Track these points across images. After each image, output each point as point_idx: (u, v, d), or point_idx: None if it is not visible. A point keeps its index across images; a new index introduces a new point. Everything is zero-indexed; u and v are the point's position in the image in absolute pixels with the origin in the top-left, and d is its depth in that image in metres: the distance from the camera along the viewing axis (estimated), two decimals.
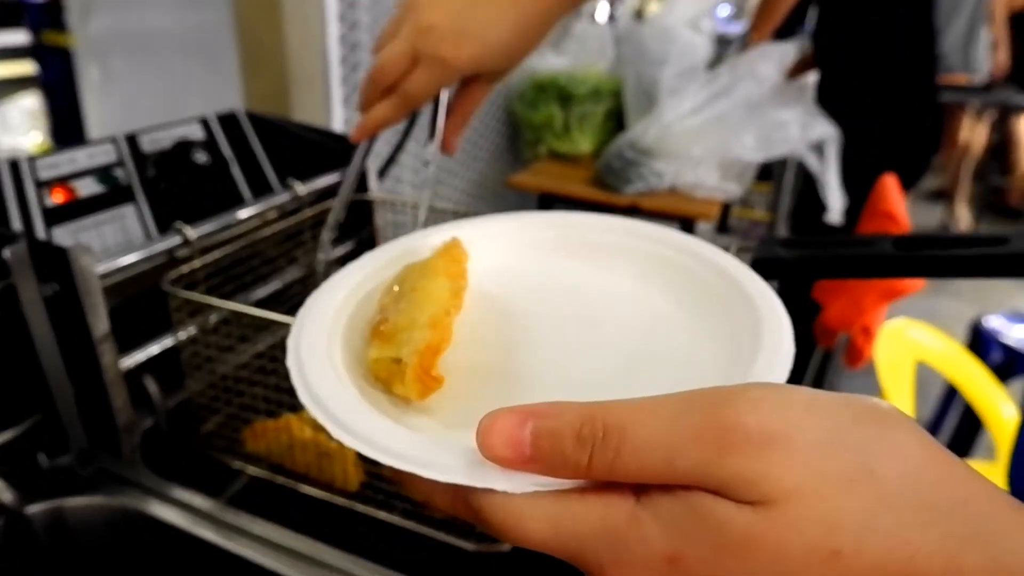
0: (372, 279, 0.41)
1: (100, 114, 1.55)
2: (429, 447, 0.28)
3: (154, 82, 1.50)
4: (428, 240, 0.44)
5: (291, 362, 0.33)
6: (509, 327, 0.39)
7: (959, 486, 0.23)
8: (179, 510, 0.59)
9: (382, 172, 0.96)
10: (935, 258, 0.40)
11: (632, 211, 1.88)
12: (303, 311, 0.37)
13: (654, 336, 0.38)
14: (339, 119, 1.34)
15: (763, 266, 0.44)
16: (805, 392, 0.25)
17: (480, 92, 0.65)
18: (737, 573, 0.23)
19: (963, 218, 4.16)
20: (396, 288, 0.37)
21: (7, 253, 0.52)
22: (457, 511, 0.28)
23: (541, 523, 0.25)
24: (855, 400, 0.25)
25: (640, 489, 0.25)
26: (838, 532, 0.22)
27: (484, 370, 0.36)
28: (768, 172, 2.68)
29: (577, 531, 0.25)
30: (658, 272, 0.41)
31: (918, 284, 1.25)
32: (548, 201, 2.02)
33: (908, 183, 1.80)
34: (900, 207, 1.27)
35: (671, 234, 0.43)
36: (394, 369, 0.33)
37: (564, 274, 0.43)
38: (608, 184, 1.90)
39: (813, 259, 0.43)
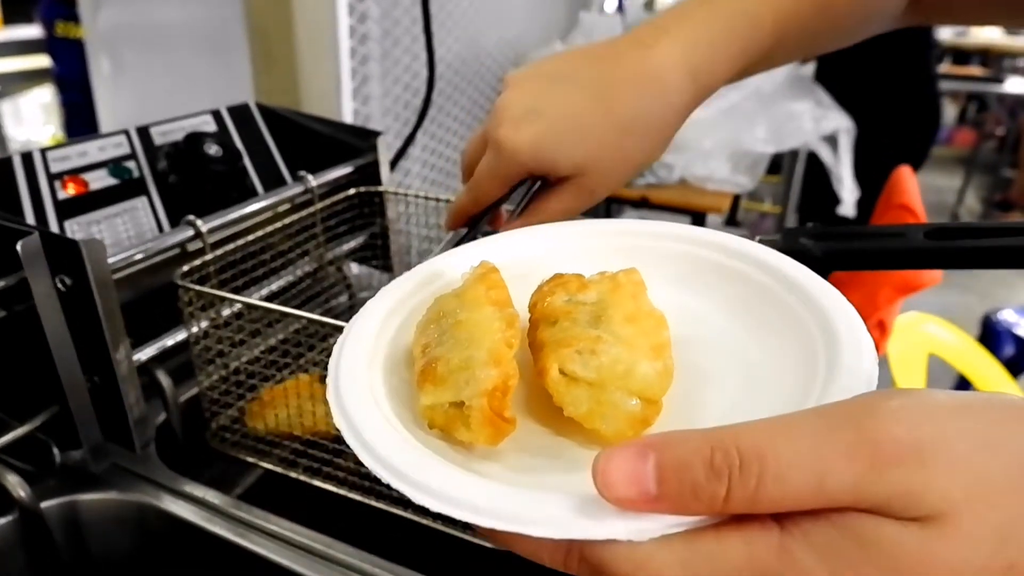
0: (399, 311, 0.37)
1: (112, 106, 1.55)
2: (529, 500, 0.24)
3: (165, 75, 1.49)
4: (453, 262, 0.40)
5: (339, 421, 0.30)
6: None
7: None
8: (192, 505, 0.59)
9: (393, 164, 0.95)
10: (969, 249, 0.39)
11: (642, 204, 1.87)
12: (333, 361, 0.33)
13: (717, 349, 0.35)
14: (349, 111, 1.33)
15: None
16: (945, 395, 0.23)
17: (556, 200, 0.49)
18: None
19: None
20: (433, 327, 0.34)
21: (20, 246, 0.51)
22: (570, 568, 0.25)
23: (676, 570, 0.22)
24: (996, 398, 0.23)
25: (783, 518, 0.22)
26: (1011, 543, 0.21)
27: (545, 405, 0.32)
28: (777, 165, 2.66)
29: (718, 571, 0.22)
30: (707, 279, 0.38)
31: (935, 278, 1.24)
32: None
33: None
34: (916, 199, 1.25)
35: (715, 235, 0.40)
36: (454, 414, 0.30)
37: None
38: None
39: (842, 251, 0.42)
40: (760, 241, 0.51)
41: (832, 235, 0.43)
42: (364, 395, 0.31)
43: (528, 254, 0.41)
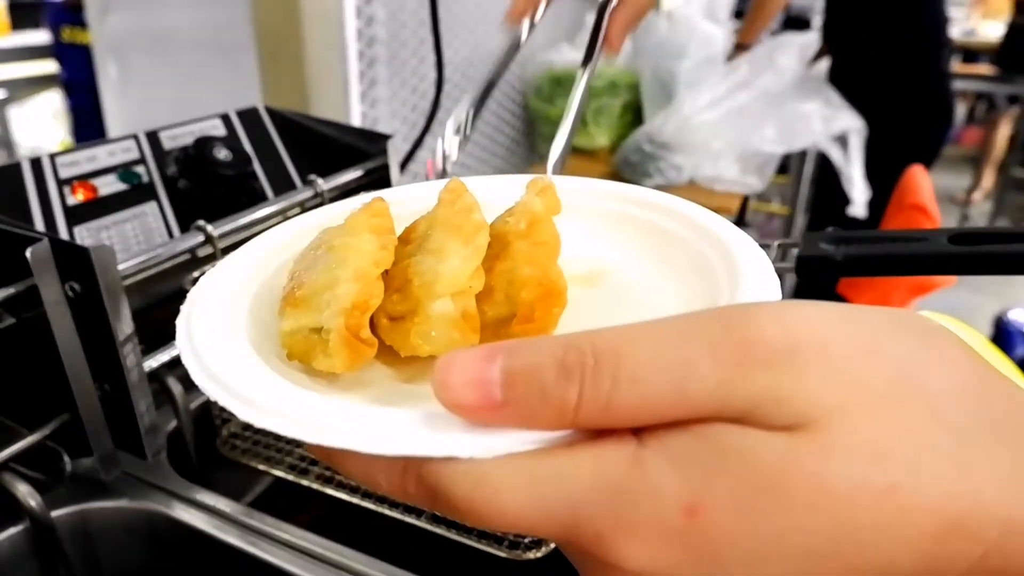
0: (283, 251, 0.35)
1: (119, 111, 1.55)
2: (362, 416, 0.22)
3: (172, 79, 1.49)
4: (352, 206, 0.37)
5: (181, 338, 0.27)
6: None
7: (1020, 404, 0.19)
8: (204, 514, 0.58)
9: (402, 167, 0.95)
10: (995, 254, 0.38)
11: None
12: (199, 284, 0.31)
13: (621, 289, 0.34)
14: (357, 114, 1.32)
15: (809, 264, 0.42)
16: (829, 304, 0.20)
17: None
18: (773, 518, 0.18)
19: None
20: (310, 254, 0.31)
21: (29, 253, 0.51)
22: (407, 493, 0.22)
23: (518, 491, 0.19)
24: (892, 310, 0.20)
25: (642, 432, 0.20)
26: (891, 459, 0.18)
27: None
28: (785, 165, 2.65)
29: (565, 492, 0.19)
30: (621, 230, 0.37)
31: (950, 279, 1.23)
32: None
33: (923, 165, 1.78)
34: (930, 199, 1.24)
35: (633, 190, 0.38)
36: (314, 340, 0.28)
37: None
38: (626, 178, 1.88)
39: (864, 257, 0.41)
40: (779, 246, 0.50)
41: (853, 240, 0.42)
42: (216, 321, 0.28)
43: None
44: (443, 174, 0.49)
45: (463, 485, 0.20)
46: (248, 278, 0.32)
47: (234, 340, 0.27)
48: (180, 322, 0.28)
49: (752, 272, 0.28)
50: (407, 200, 0.38)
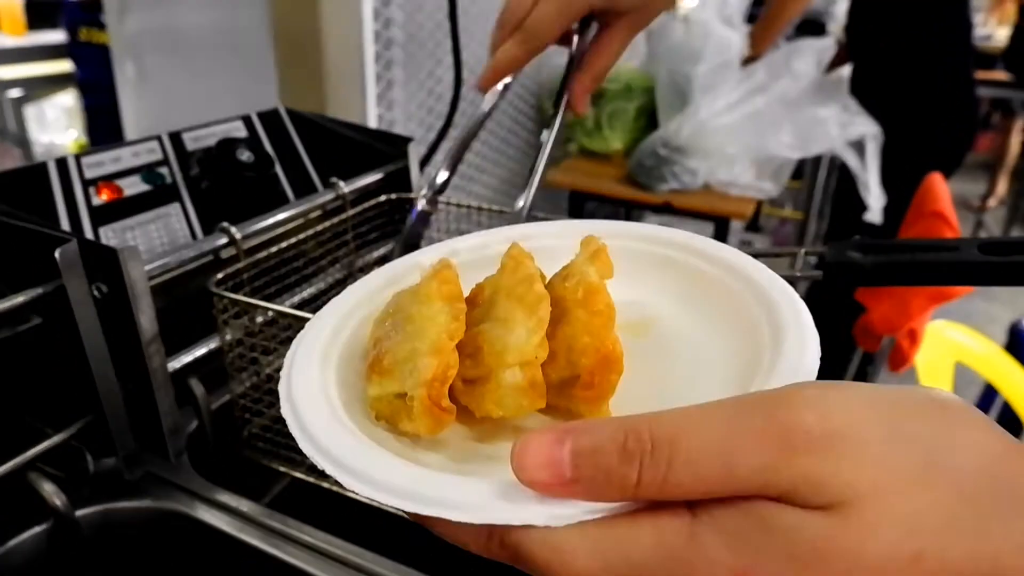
0: (361, 309, 0.39)
1: (136, 112, 1.56)
2: (452, 486, 0.25)
3: (190, 80, 1.50)
4: (419, 261, 0.41)
5: (286, 409, 0.31)
6: None
7: None
8: (225, 514, 0.59)
9: (422, 164, 0.95)
10: None
11: (664, 209, 1.86)
12: (290, 353, 0.35)
13: (664, 343, 0.37)
14: (373, 116, 1.33)
15: (835, 271, 0.42)
16: (862, 387, 0.23)
17: (617, 39, 0.55)
18: None
19: None
20: (388, 321, 0.35)
21: (58, 254, 0.51)
22: (492, 553, 0.25)
23: (589, 556, 0.23)
24: (916, 393, 0.23)
25: (695, 505, 0.23)
26: (918, 533, 0.20)
27: None
28: (800, 170, 2.64)
29: (630, 558, 0.23)
30: (669, 277, 0.40)
31: (968, 287, 1.22)
32: (579, 199, 2.01)
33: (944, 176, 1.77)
34: (949, 207, 1.23)
35: (679, 235, 0.41)
36: (398, 405, 0.31)
37: None
38: (640, 182, 1.88)
39: (892, 264, 0.41)
40: (806, 254, 0.50)
41: (881, 248, 0.42)
42: (313, 386, 0.32)
43: (492, 252, 0.42)
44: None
45: (540, 550, 0.23)
46: (333, 338, 0.36)
47: (333, 411, 0.31)
48: (282, 388, 0.32)
49: (794, 333, 0.30)
50: (459, 251, 0.42)
